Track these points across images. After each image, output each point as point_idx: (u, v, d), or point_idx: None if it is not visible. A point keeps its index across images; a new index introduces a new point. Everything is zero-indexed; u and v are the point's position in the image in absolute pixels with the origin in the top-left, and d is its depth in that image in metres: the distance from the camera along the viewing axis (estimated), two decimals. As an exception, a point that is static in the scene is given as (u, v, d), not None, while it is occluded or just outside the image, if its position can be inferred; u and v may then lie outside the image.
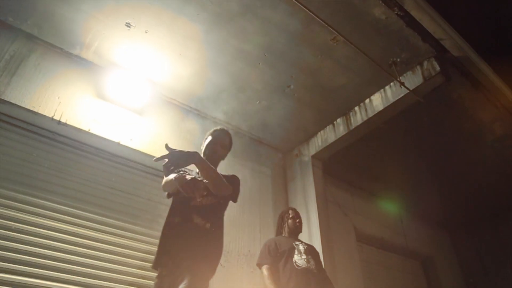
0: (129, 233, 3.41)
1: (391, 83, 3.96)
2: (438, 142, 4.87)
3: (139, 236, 3.44)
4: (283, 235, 3.36)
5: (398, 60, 3.71)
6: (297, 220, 3.37)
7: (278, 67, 3.73)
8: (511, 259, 6.26)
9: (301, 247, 3.18)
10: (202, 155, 2.40)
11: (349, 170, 5.34)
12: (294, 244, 3.18)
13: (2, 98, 3.12)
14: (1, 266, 2.70)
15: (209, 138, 2.53)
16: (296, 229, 3.37)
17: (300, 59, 3.65)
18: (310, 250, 3.22)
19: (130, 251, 3.33)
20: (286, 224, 3.35)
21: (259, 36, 3.42)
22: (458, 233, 7.16)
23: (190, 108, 4.22)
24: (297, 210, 3.54)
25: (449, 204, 6.36)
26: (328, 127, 4.53)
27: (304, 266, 3.00)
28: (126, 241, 3.35)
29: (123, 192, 3.58)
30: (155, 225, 3.60)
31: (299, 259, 3.05)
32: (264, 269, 3.04)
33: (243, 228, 3.99)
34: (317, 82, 3.91)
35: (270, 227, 4.20)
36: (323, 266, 3.32)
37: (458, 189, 5.88)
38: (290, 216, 3.40)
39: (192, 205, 2.20)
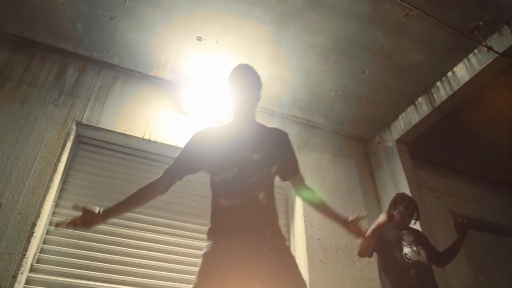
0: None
1: (475, 50, 3.67)
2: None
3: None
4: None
5: (481, 23, 3.43)
6: (410, 214, 2.98)
7: (351, 54, 3.63)
8: None
9: (410, 237, 2.89)
10: (233, 105, 2.04)
11: (437, 150, 5.03)
12: (401, 234, 2.90)
13: (99, 126, 3.38)
14: (118, 279, 2.92)
15: (232, 82, 2.03)
16: (407, 222, 3.01)
17: (372, 42, 3.52)
18: (419, 239, 2.93)
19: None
20: (397, 211, 3.02)
21: (329, 26, 3.36)
22: None
23: (267, 110, 4.25)
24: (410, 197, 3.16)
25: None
26: (409, 108, 4.31)
27: (415, 259, 2.73)
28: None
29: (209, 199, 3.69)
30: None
31: (409, 251, 2.77)
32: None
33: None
34: (393, 63, 3.75)
35: (365, 220, 4.07)
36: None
37: None
38: (404, 206, 3.02)
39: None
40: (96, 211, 1.75)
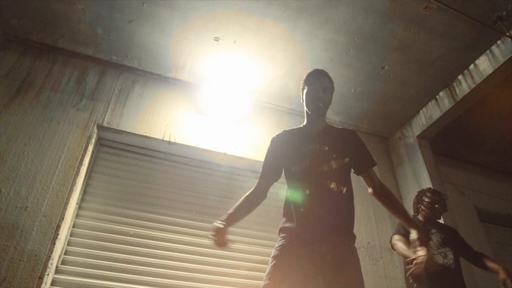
0: (245, 238, 3.50)
1: (498, 42, 3.57)
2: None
3: (253, 239, 3.53)
4: (418, 218, 2.99)
5: (504, 13, 3.34)
6: (436, 204, 2.91)
7: (370, 50, 3.58)
8: None
9: (438, 237, 2.79)
10: (305, 107, 2.15)
11: (459, 145, 4.93)
12: (430, 233, 2.79)
13: (119, 128, 3.42)
14: (139, 279, 2.95)
15: (306, 88, 2.14)
16: (434, 214, 2.93)
17: (391, 37, 3.46)
18: (448, 238, 2.81)
19: (246, 255, 3.42)
20: (421, 206, 2.98)
21: (346, 22, 3.32)
22: None
23: (285, 108, 4.24)
24: (436, 191, 3.05)
25: None
26: (430, 103, 4.23)
27: (440, 262, 2.65)
28: (241, 246, 3.45)
29: (234, 200, 3.69)
30: (267, 227, 3.65)
31: (436, 253, 2.69)
32: (395, 240, 2.72)
33: (358, 221, 3.86)
34: (412, 57, 3.68)
35: (385, 217, 4.03)
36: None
37: None
38: (428, 196, 2.97)
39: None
40: (222, 227, 1.83)
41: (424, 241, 1.95)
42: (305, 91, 2.14)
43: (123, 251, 3.03)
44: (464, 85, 3.85)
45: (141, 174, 3.49)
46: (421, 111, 4.35)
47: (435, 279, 2.57)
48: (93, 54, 3.68)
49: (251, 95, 4.01)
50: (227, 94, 3.79)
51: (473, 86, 3.76)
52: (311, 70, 2.17)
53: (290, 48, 3.56)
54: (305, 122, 2.18)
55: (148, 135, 3.49)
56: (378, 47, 3.57)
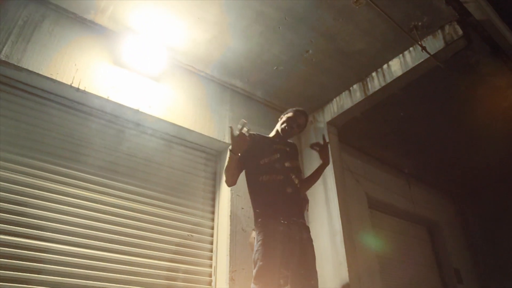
0: (147, 199, 3.45)
1: (411, 48, 3.90)
2: (450, 109, 4.86)
3: (157, 202, 3.49)
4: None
5: (420, 24, 3.64)
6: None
7: (298, 31, 3.65)
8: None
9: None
10: (278, 127, 2.95)
11: (361, 137, 5.34)
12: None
13: (20, 65, 3.04)
14: (22, 231, 2.72)
15: (290, 113, 2.94)
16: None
17: (320, 23, 3.56)
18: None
19: (142, 215, 3.36)
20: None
21: (281, -2, 3.33)
22: (463, 199, 7.29)
23: (205, 74, 4.15)
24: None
25: (455, 171, 6.43)
26: (344, 93, 4.49)
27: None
28: (142, 207, 3.39)
29: (143, 160, 3.59)
30: (176, 192, 3.64)
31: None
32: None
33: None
34: (336, 46, 3.84)
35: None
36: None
37: (464, 156, 5.93)
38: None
39: (287, 166, 2.71)
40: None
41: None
42: (287, 115, 2.94)
43: (15, 202, 2.77)
44: (376, 82, 4.15)
45: (43, 120, 3.17)
46: (334, 99, 4.59)
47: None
48: (-4, -26, 3.19)
49: (173, 54, 3.84)
50: (148, 48, 3.58)
51: (383, 84, 4.07)
52: (300, 108, 3.03)
53: (221, 14, 3.46)
54: (272, 134, 2.99)
55: (54, 78, 3.16)
56: (306, 31, 3.65)
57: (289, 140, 3.01)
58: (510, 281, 6.22)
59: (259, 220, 2.50)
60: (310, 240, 2.56)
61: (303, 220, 2.64)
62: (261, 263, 2.28)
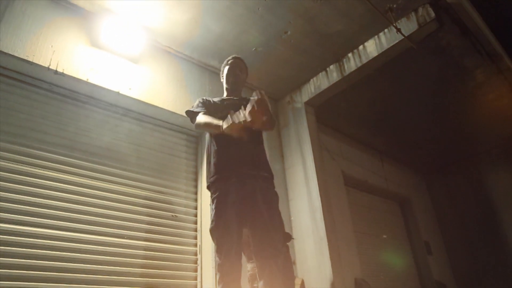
0: (129, 181, 3.47)
1: (385, 30, 4.01)
2: (422, 89, 5.05)
3: (139, 183, 3.52)
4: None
5: (394, 6, 3.75)
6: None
7: (277, 13, 3.68)
8: (481, 202, 6.77)
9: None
10: (225, 84, 2.83)
11: (338, 116, 5.48)
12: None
13: (-8, 46, 2.95)
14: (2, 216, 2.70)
15: (226, 67, 2.81)
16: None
17: (299, 4, 3.61)
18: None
19: (126, 197, 3.38)
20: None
21: (261, -21, 3.34)
22: (433, 176, 7.64)
23: (184, 56, 4.14)
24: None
25: (426, 149, 6.72)
26: (321, 73, 4.58)
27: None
28: (124, 189, 3.40)
29: (124, 142, 3.59)
30: (158, 173, 3.67)
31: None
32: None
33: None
34: (314, 28, 3.91)
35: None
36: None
37: (435, 134, 6.20)
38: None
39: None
40: None
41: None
42: (225, 70, 2.80)
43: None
44: (352, 63, 4.26)
45: (19, 103, 3.10)
46: (311, 79, 4.69)
47: None
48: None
49: (152, 35, 3.81)
50: (127, 29, 3.53)
51: (359, 65, 4.19)
52: (230, 56, 2.84)
53: (200, -6, 3.45)
54: (224, 96, 2.82)
55: (30, 60, 3.09)
56: (285, 12, 3.69)
57: (244, 97, 2.79)
58: (476, 252, 6.64)
59: (211, 178, 2.43)
60: (267, 190, 2.40)
61: (262, 172, 2.45)
62: (215, 232, 2.26)
